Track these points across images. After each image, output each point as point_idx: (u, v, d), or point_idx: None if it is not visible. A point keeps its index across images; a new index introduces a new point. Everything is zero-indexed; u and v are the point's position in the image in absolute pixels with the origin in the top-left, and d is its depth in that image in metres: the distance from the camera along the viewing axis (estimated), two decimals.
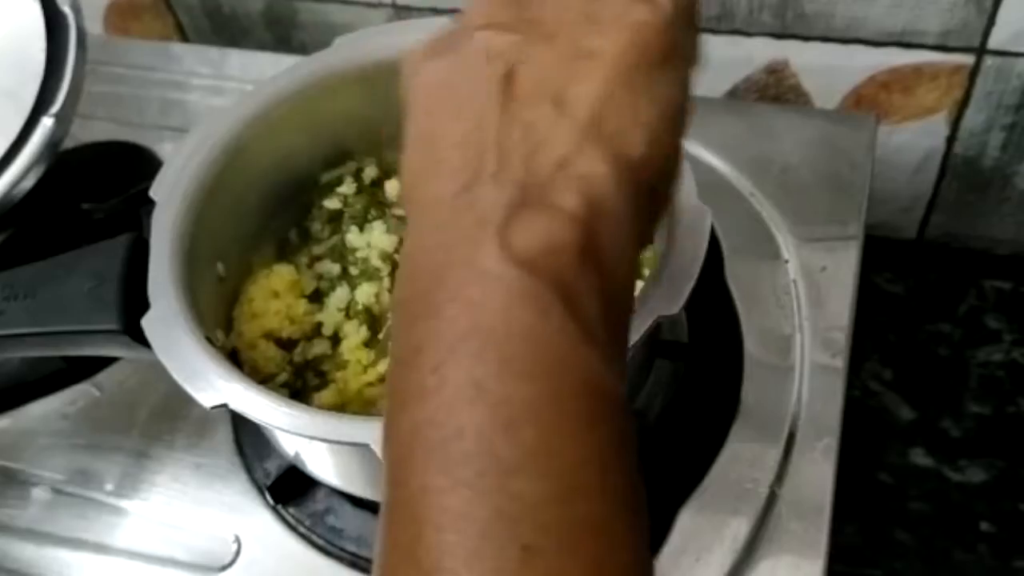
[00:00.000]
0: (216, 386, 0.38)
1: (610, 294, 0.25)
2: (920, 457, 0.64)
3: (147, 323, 0.41)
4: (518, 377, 0.23)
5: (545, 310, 0.24)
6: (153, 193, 0.46)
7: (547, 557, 0.22)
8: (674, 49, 0.27)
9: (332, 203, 0.52)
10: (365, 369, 0.46)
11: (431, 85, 0.28)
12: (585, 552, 0.22)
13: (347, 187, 0.52)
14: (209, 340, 0.41)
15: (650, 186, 0.27)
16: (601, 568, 0.23)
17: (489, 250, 0.24)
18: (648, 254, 0.45)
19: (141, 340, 0.42)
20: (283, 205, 0.52)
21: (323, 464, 0.46)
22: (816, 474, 0.47)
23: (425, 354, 0.24)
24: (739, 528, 0.46)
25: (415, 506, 0.23)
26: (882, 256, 0.70)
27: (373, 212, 0.51)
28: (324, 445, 0.42)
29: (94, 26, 0.82)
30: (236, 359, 0.46)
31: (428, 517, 0.23)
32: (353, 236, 0.50)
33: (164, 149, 0.66)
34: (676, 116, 0.27)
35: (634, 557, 0.24)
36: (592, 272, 0.25)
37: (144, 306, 0.42)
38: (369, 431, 0.36)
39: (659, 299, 0.38)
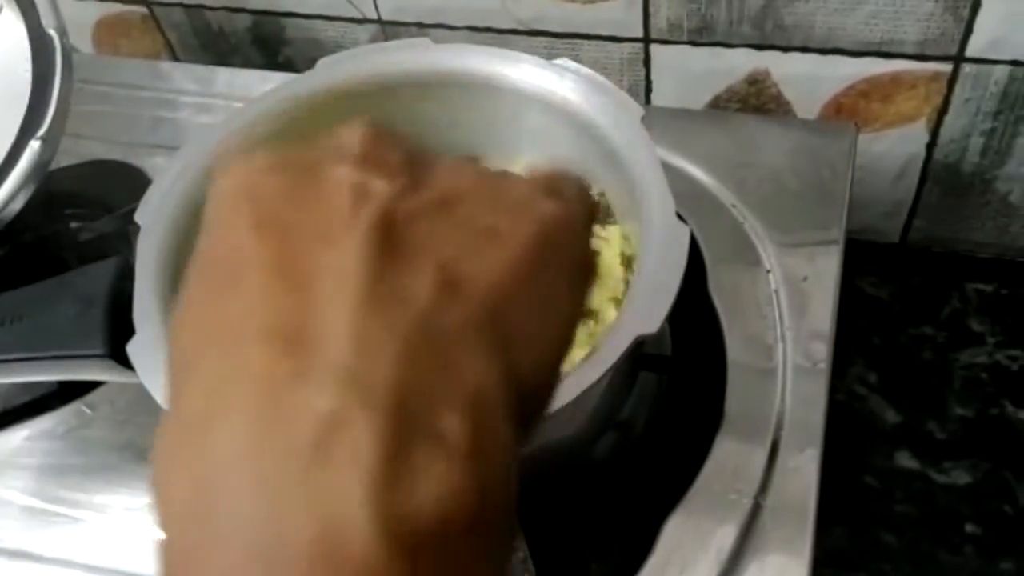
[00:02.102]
0: None
1: (499, 549, 0.19)
2: (905, 460, 0.64)
3: (132, 349, 0.41)
4: None
5: None
6: (138, 217, 0.46)
7: None
8: (581, 250, 0.23)
9: None
10: None
11: (271, 199, 0.20)
12: None
13: None
14: None
15: (530, 408, 0.21)
16: None
17: (360, 527, 0.16)
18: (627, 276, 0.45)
19: (127, 364, 0.42)
20: None
21: None
22: (800, 484, 0.48)
23: None
24: (724, 539, 0.46)
25: None
26: (866, 260, 0.71)
27: None
28: None
29: (83, 44, 0.82)
30: None
31: None
32: None
33: (153, 167, 0.67)
34: (572, 333, 0.22)
35: None
36: (484, 531, 0.18)
37: (131, 330, 0.42)
38: None
39: (638, 319, 0.38)
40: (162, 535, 0.18)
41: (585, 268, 0.23)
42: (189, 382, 0.19)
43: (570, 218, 0.22)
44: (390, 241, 0.19)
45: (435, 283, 0.19)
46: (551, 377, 0.22)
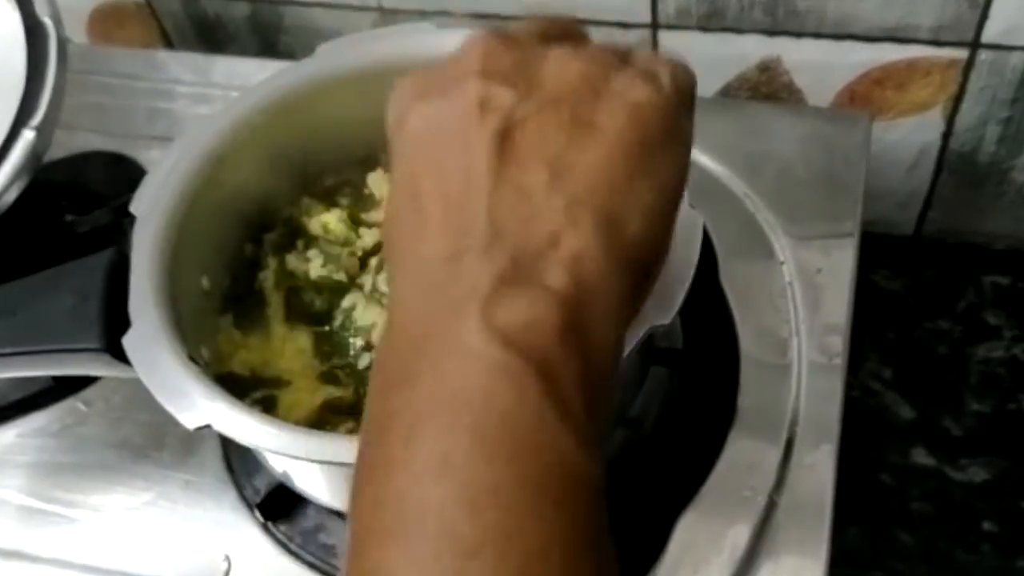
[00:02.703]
0: (199, 406, 0.38)
1: (593, 375, 0.24)
2: (921, 457, 0.63)
3: (128, 342, 0.40)
4: (488, 458, 0.22)
5: (522, 390, 0.23)
6: (133, 209, 0.45)
7: None
8: (675, 131, 0.27)
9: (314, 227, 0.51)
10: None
11: (419, 130, 0.27)
12: None
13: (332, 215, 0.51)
14: (192, 359, 0.40)
15: (640, 266, 0.26)
16: None
17: (471, 324, 0.23)
18: None
19: (124, 359, 0.41)
20: (262, 232, 0.51)
21: (312, 481, 0.46)
22: (816, 481, 0.46)
23: (396, 425, 0.24)
24: (738, 537, 0.45)
25: None
26: (879, 253, 0.69)
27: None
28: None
29: (77, 34, 0.81)
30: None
31: None
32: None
33: (150, 159, 0.65)
34: (672, 199, 0.27)
35: None
36: (575, 353, 0.24)
37: (127, 324, 0.41)
38: (355, 450, 0.35)
39: (651, 309, 0.37)
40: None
41: (678, 144, 0.27)
42: (393, 250, 0.28)
43: (662, 102, 0.26)
44: (508, 144, 0.25)
45: (545, 176, 0.25)
46: (656, 244, 0.27)
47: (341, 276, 0.48)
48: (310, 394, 0.45)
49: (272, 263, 0.50)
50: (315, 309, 0.48)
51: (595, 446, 0.25)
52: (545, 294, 0.24)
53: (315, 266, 0.49)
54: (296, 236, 0.51)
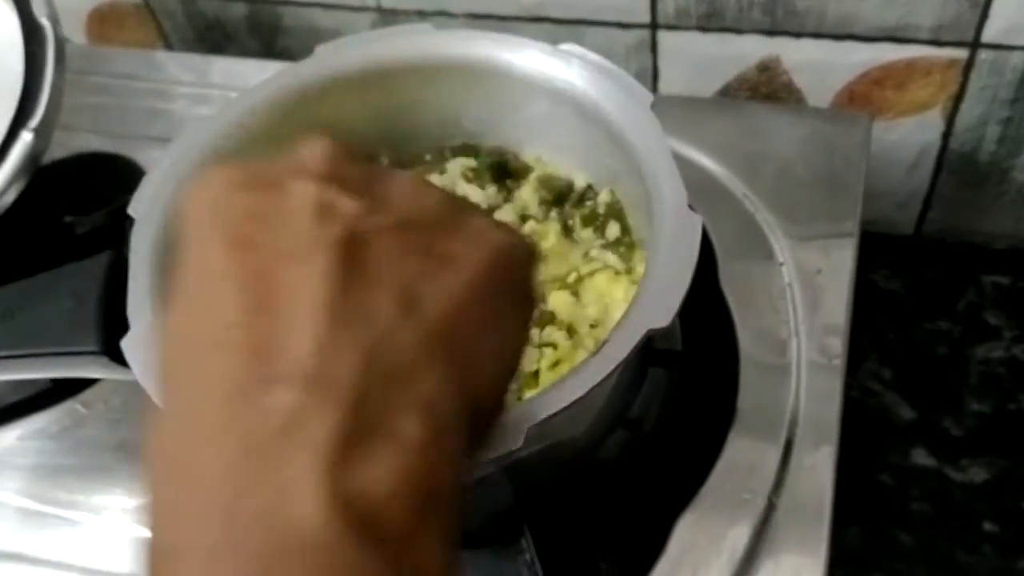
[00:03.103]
0: None
1: (445, 542, 0.21)
2: (921, 457, 0.63)
3: (126, 345, 0.40)
4: None
5: None
6: (131, 210, 0.45)
7: None
8: (527, 283, 0.25)
9: None
10: None
11: (241, 219, 0.22)
12: None
13: None
14: None
15: (481, 416, 0.23)
16: None
17: (311, 500, 0.18)
18: (639, 267, 0.44)
19: (122, 361, 0.41)
20: None
21: None
22: (815, 482, 0.46)
23: None
24: (737, 540, 0.45)
25: None
26: (879, 253, 0.69)
27: None
28: None
29: (76, 35, 0.81)
30: None
31: None
32: None
33: (148, 160, 0.65)
34: (517, 354, 0.25)
35: None
36: (432, 523, 0.20)
37: (125, 326, 0.41)
38: None
39: (649, 312, 0.37)
40: (147, 530, 0.20)
41: (530, 298, 0.25)
42: (177, 381, 0.21)
43: (519, 249, 0.25)
44: (354, 260, 0.21)
45: (395, 304, 0.21)
46: (499, 393, 0.24)
47: None
48: None
49: None
50: None
51: None
52: (402, 450, 0.19)
53: None
54: None
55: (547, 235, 0.48)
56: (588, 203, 0.49)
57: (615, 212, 0.48)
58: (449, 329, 0.22)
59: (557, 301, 0.46)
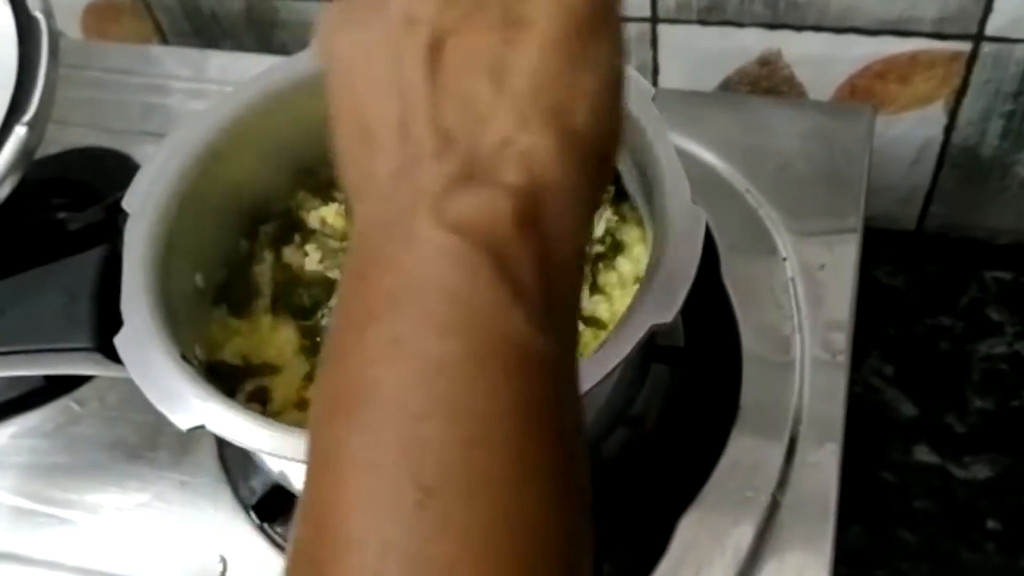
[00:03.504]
0: (192, 407, 0.37)
1: (553, 264, 0.24)
2: (924, 454, 0.63)
3: (120, 342, 0.39)
4: (437, 332, 0.23)
5: (473, 271, 0.23)
6: (126, 204, 0.44)
7: (444, 501, 0.21)
8: (605, 13, 0.26)
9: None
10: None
11: (350, 59, 0.26)
12: (485, 501, 0.22)
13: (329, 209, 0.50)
14: (185, 358, 0.39)
15: (596, 154, 0.26)
16: (504, 520, 0.22)
17: (424, 218, 0.23)
18: (642, 260, 0.43)
19: (116, 358, 0.40)
20: (258, 224, 0.50)
21: None
22: (819, 480, 0.46)
23: (352, 317, 0.24)
24: (741, 538, 0.44)
25: (323, 456, 0.23)
26: (881, 248, 0.69)
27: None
28: None
29: (71, 29, 0.80)
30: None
31: (330, 463, 0.23)
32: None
33: (144, 154, 0.64)
34: (616, 82, 0.26)
35: (549, 519, 0.22)
36: (532, 241, 0.24)
37: (119, 322, 0.40)
38: None
39: (652, 307, 0.36)
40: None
41: (612, 29, 0.26)
42: (343, 157, 0.27)
43: None
44: (442, 56, 0.24)
45: (487, 82, 0.24)
46: (606, 131, 0.26)
47: (335, 273, 0.48)
48: (302, 383, 0.45)
49: (268, 256, 0.49)
50: (303, 304, 0.48)
51: (555, 333, 0.24)
52: (498, 189, 0.23)
53: (312, 260, 0.48)
54: (294, 230, 0.50)
55: None
56: None
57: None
58: (539, 91, 0.24)
59: None
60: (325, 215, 0.50)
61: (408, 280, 0.23)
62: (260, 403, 0.44)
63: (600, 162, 0.26)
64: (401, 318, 0.23)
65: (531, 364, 0.23)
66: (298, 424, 0.41)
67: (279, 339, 0.47)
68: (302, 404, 0.44)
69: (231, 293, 0.48)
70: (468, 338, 0.23)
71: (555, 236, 0.24)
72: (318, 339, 0.46)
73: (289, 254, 0.49)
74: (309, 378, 0.45)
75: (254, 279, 0.49)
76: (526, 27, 0.25)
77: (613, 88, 0.26)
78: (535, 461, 0.23)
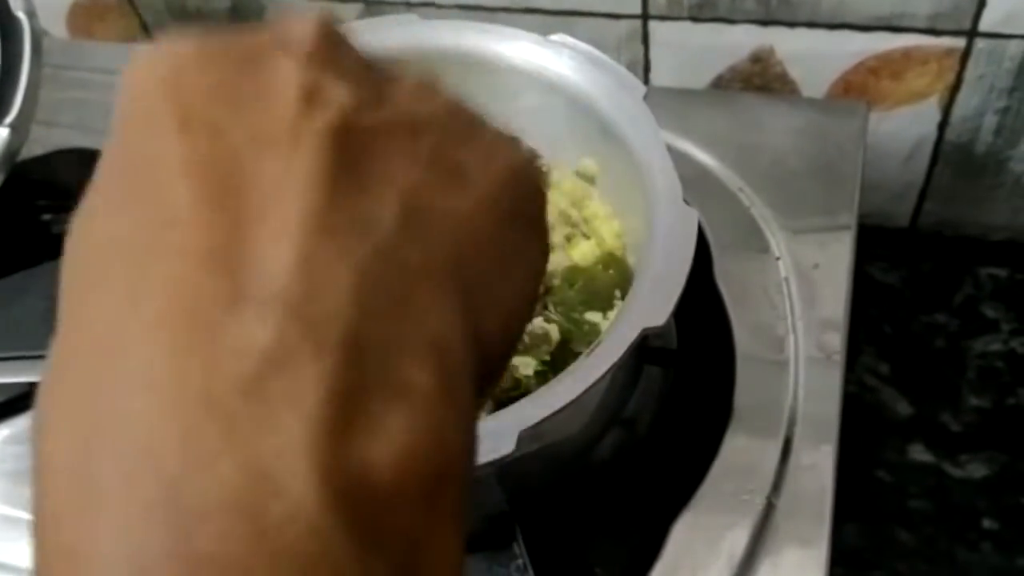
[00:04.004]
0: None
1: (453, 522, 0.16)
2: (919, 453, 0.62)
3: None
4: None
5: None
6: None
7: None
8: (543, 213, 0.21)
9: None
10: None
11: (201, 96, 0.16)
12: None
13: None
14: None
15: (486, 370, 0.18)
16: None
17: (300, 476, 0.14)
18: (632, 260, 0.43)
19: None
20: None
21: None
22: (815, 482, 0.45)
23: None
24: (736, 541, 0.44)
25: None
26: (875, 245, 0.68)
27: None
28: None
29: (56, 28, 0.79)
30: None
31: None
32: None
33: None
34: (533, 298, 0.20)
35: None
36: (442, 495, 0.16)
37: None
38: None
39: (645, 310, 0.36)
40: (39, 500, 0.15)
41: (543, 229, 0.21)
42: (88, 303, 0.16)
43: (534, 171, 0.20)
44: (348, 157, 0.16)
45: (398, 213, 0.16)
46: (510, 342, 0.19)
47: None
48: None
49: None
50: None
51: None
52: (409, 408, 0.15)
53: None
54: None
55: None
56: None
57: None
58: (458, 253, 0.17)
59: None
60: None
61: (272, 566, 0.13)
62: None
63: (482, 385, 0.18)
64: None
65: None
66: None
67: None
68: None
69: None
70: None
71: (456, 483, 0.16)
72: None
73: None
74: None
75: None
76: (459, 178, 0.18)
77: (529, 300, 0.20)
78: None
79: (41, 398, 0.15)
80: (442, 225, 0.17)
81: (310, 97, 0.16)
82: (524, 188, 0.20)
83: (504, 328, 0.19)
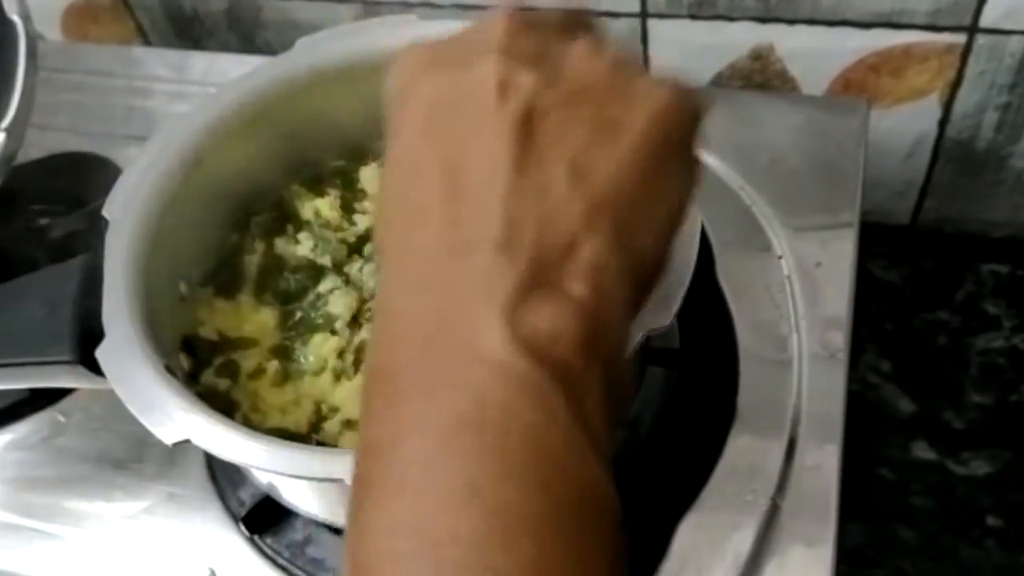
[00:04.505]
0: (176, 419, 0.36)
1: (609, 388, 0.23)
2: (922, 451, 0.62)
3: (101, 354, 0.38)
4: (519, 483, 0.21)
5: (552, 410, 0.21)
6: (106, 212, 0.43)
7: None
8: (690, 145, 0.26)
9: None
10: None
11: (428, 102, 0.25)
12: None
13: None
14: (169, 369, 0.38)
15: (644, 281, 0.25)
16: None
17: (494, 331, 0.22)
18: None
19: (99, 370, 0.39)
20: (249, 215, 0.49)
21: (299, 494, 0.44)
22: (820, 482, 0.45)
23: (409, 442, 0.22)
24: (740, 543, 0.43)
25: None
26: (875, 243, 0.68)
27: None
28: None
29: (51, 31, 0.79)
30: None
31: None
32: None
33: (126, 158, 0.63)
34: (680, 217, 0.26)
35: None
36: (596, 368, 0.22)
37: (101, 333, 0.39)
38: (342, 466, 0.33)
39: (648, 311, 0.35)
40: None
41: (692, 160, 0.26)
42: (388, 255, 0.25)
43: (683, 107, 0.25)
44: (530, 134, 0.23)
45: (565, 176, 0.23)
46: (662, 251, 0.26)
47: (325, 260, 0.47)
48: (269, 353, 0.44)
49: (260, 247, 0.48)
50: (287, 290, 0.47)
51: (608, 459, 0.23)
52: (567, 304, 0.22)
53: (304, 248, 0.47)
54: (286, 221, 0.49)
55: None
56: None
57: None
58: (614, 196, 0.24)
59: None
60: (320, 207, 0.48)
61: (479, 408, 0.21)
62: (229, 378, 0.43)
63: (643, 290, 0.25)
64: (476, 460, 0.21)
65: (607, 518, 0.22)
66: (279, 431, 0.41)
67: (259, 318, 0.46)
68: (257, 373, 0.44)
69: (218, 280, 0.47)
70: (550, 491, 0.21)
71: (611, 361, 0.23)
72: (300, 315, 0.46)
73: (281, 245, 0.48)
74: (276, 351, 0.44)
75: (242, 267, 0.48)
76: (617, 132, 0.24)
77: (676, 221, 0.26)
78: None
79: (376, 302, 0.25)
80: (601, 177, 0.23)
81: (502, 90, 0.24)
82: (672, 126, 0.25)
83: (657, 242, 0.25)
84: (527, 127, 0.23)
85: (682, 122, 0.25)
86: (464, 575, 0.20)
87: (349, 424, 0.41)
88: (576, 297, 0.22)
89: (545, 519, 0.21)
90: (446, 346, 0.22)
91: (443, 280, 0.23)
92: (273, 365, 0.44)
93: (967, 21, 0.57)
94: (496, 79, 0.24)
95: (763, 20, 0.60)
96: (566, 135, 0.24)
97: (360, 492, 0.22)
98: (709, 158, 0.56)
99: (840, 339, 0.49)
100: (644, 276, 0.25)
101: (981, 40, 0.58)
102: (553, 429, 0.21)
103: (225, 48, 0.74)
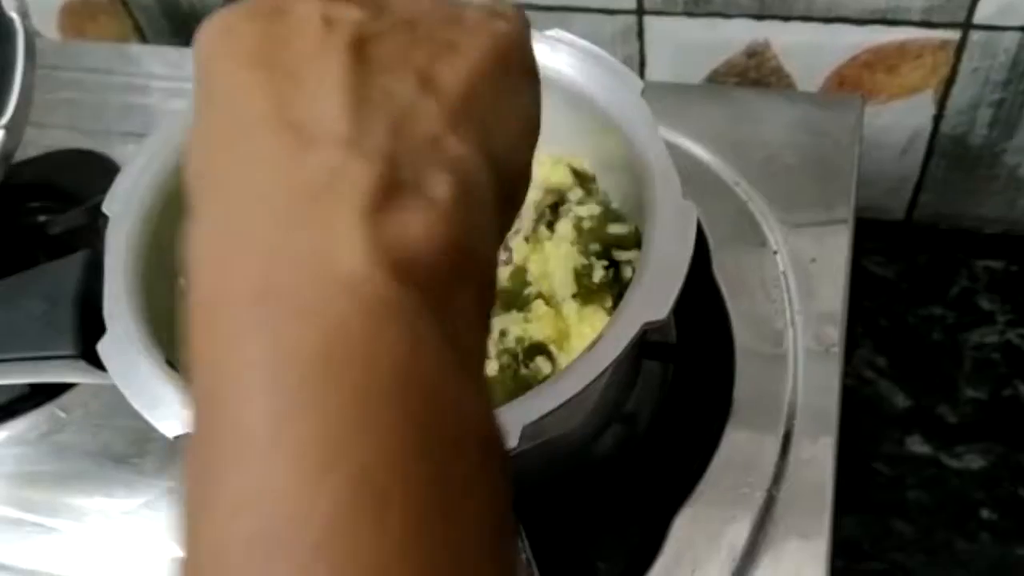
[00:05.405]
0: (178, 413, 0.36)
1: (480, 305, 0.21)
2: (917, 445, 0.62)
3: (103, 348, 0.38)
4: (389, 435, 0.18)
5: (421, 337, 0.19)
6: (106, 208, 0.43)
7: None
8: (530, 65, 0.26)
9: None
10: None
11: (249, 49, 0.22)
12: None
13: None
14: (170, 363, 0.39)
15: (508, 188, 0.24)
16: None
17: (353, 244, 0.19)
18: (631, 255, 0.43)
19: (100, 365, 0.39)
20: None
21: None
22: (815, 474, 0.45)
23: (252, 392, 0.18)
24: (736, 535, 0.44)
25: None
26: (870, 238, 0.68)
27: None
28: None
29: (48, 28, 0.79)
30: None
31: None
32: None
33: (124, 155, 0.63)
34: (531, 131, 0.26)
35: None
36: (468, 281, 0.21)
37: (102, 328, 0.39)
38: None
39: (645, 305, 0.36)
40: (188, 286, 0.21)
41: (534, 71, 0.26)
42: (211, 172, 0.22)
43: (517, 33, 0.25)
44: (365, 55, 0.22)
45: (413, 83, 0.22)
46: (523, 157, 0.25)
47: None
48: None
49: None
50: None
51: (489, 396, 0.21)
52: (434, 207, 0.20)
53: None
54: None
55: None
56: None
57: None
58: (467, 103, 0.23)
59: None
60: None
61: (340, 343, 0.18)
62: None
63: (508, 207, 0.24)
64: (336, 407, 0.18)
65: (493, 458, 0.20)
66: None
67: None
68: None
69: None
70: (428, 438, 0.18)
71: (481, 271, 0.22)
72: None
73: None
74: None
75: None
76: (455, 50, 0.23)
77: (529, 135, 0.25)
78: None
79: (191, 226, 0.21)
80: (451, 82, 0.23)
81: (328, 23, 0.22)
82: (509, 50, 0.25)
83: (517, 154, 0.24)
84: (361, 50, 0.22)
85: (519, 44, 0.25)
86: (329, 560, 0.17)
87: None
88: (441, 199, 0.20)
89: (424, 478, 0.18)
90: (292, 264, 0.19)
91: (283, 183, 0.20)
92: None
93: (961, 18, 0.58)
94: (319, 15, 0.22)
95: (758, 17, 0.61)
96: (406, 54, 0.22)
97: (196, 459, 0.19)
98: (705, 154, 0.56)
99: (835, 334, 0.49)
100: (508, 189, 0.24)
101: (975, 36, 0.58)
102: (423, 360, 0.19)
103: None
